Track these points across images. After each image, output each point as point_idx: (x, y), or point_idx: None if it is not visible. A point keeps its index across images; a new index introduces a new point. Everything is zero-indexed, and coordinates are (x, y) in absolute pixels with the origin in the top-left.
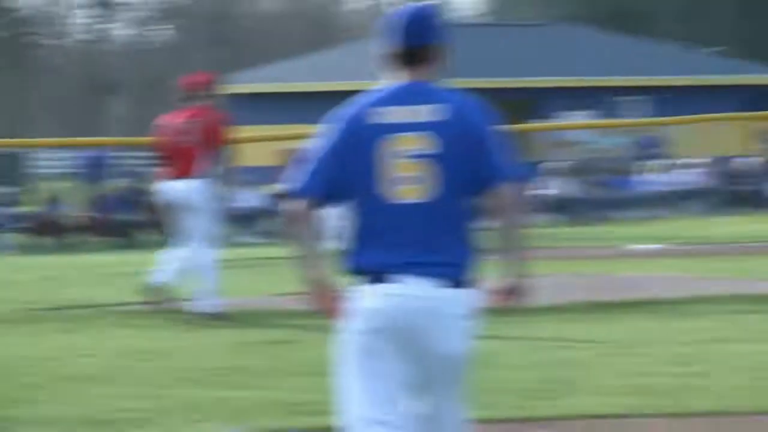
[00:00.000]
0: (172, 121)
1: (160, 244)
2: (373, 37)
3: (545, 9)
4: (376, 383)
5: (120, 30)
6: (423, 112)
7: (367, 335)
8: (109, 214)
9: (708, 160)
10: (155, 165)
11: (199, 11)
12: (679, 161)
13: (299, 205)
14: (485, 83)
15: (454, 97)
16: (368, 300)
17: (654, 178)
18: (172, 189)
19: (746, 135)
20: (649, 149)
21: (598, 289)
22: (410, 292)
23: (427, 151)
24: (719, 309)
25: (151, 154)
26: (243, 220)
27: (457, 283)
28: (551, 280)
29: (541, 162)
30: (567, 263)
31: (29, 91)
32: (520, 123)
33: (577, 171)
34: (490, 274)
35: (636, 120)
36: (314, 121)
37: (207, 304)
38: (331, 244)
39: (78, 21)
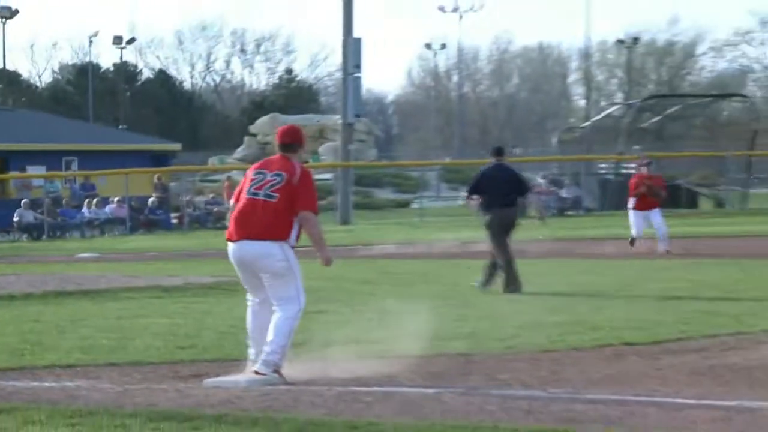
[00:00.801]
0: None
1: None
2: None
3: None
4: None
5: None
6: None
7: None
8: None
9: (122, 198)
10: None
11: None
12: (108, 198)
13: None
14: None
15: None
16: None
17: (92, 210)
18: None
19: (149, 182)
20: (87, 191)
21: (60, 282)
22: None
23: None
24: (138, 295)
25: None
26: None
27: None
28: (29, 277)
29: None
30: (37, 266)
31: None
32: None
33: (34, 204)
34: None
35: (75, 172)
36: None
37: None
38: None
39: None
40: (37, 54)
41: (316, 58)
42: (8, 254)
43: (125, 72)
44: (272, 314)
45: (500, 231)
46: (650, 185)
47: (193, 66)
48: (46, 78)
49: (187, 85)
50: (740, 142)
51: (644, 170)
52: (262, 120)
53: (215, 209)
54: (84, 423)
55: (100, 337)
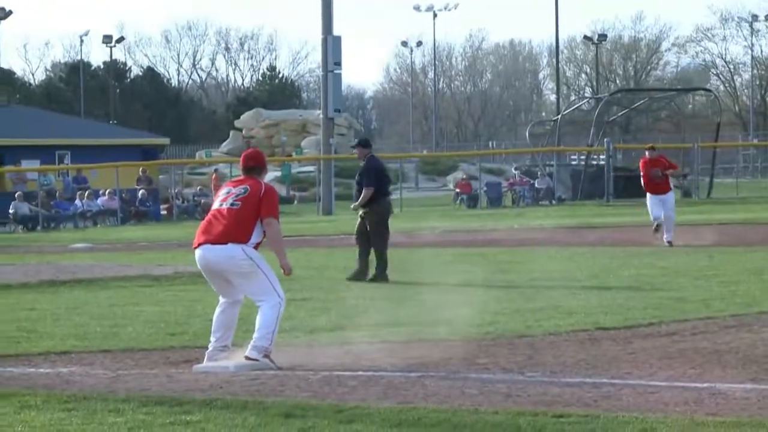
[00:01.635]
0: None
1: None
2: None
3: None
4: None
5: None
6: None
7: None
8: None
9: (113, 190)
10: None
11: None
12: (99, 191)
13: None
14: None
15: None
16: None
17: (84, 202)
18: None
19: (135, 174)
20: (79, 184)
21: (55, 272)
22: None
23: None
24: (130, 284)
25: None
26: None
27: None
28: (24, 266)
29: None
30: (32, 256)
31: None
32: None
33: (28, 197)
34: None
35: (68, 165)
36: None
37: None
38: None
39: None
40: (30, 53)
41: (297, 56)
42: (4, 245)
43: (115, 69)
44: (255, 312)
45: (387, 219)
46: (651, 169)
47: (180, 63)
48: (40, 76)
49: (174, 81)
50: (705, 133)
51: (646, 155)
52: (247, 115)
53: (203, 201)
54: (78, 408)
55: (93, 325)
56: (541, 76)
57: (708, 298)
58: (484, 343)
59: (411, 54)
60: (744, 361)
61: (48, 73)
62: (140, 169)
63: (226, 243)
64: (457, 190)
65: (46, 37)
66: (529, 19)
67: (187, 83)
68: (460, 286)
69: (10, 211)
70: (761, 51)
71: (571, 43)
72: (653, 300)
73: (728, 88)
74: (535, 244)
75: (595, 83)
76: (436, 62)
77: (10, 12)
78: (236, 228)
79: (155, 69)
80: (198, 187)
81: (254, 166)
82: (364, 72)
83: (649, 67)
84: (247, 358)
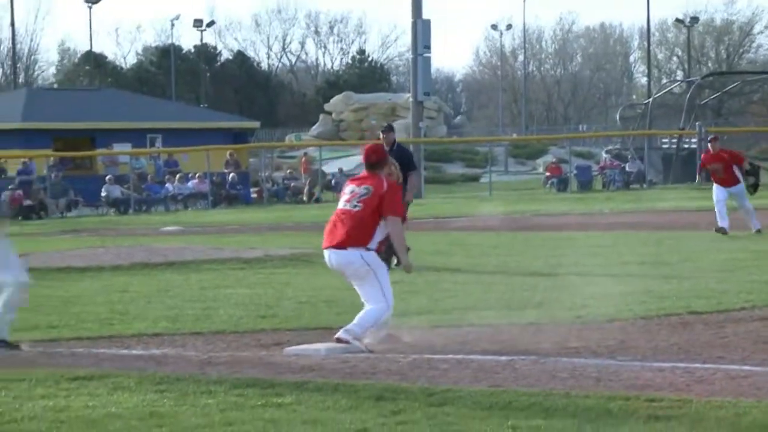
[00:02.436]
0: None
1: None
2: None
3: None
4: None
5: None
6: None
7: None
8: None
9: (204, 173)
10: None
11: None
12: (189, 174)
13: None
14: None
15: None
16: None
17: (175, 185)
18: None
19: (224, 158)
20: (170, 167)
21: (147, 254)
22: None
23: None
24: (221, 267)
25: None
26: None
27: None
28: (117, 249)
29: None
30: (124, 239)
31: None
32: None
33: (120, 180)
34: None
35: (159, 149)
36: None
37: None
38: None
39: None
40: (122, 37)
41: (387, 39)
42: (97, 227)
43: (205, 53)
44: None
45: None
46: (712, 165)
47: (269, 47)
48: (131, 60)
49: (264, 65)
50: None
51: (709, 147)
52: (337, 98)
53: (292, 184)
54: (171, 389)
55: (185, 307)
56: (632, 59)
57: None
58: (575, 327)
59: (501, 37)
60: None
61: (139, 56)
62: (228, 152)
63: (346, 248)
64: (547, 173)
65: (137, 21)
66: (619, 1)
67: (277, 67)
68: (549, 272)
69: (102, 193)
70: None
71: (663, 25)
72: (746, 284)
73: None
74: (625, 228)
75: (686, 66)
76: (526, 45)
77: None
78: (357, 232)
79: (245, 53)
80: (288, 171)
81: (377, 161)
82: (454, 55)
83: (741, 50)
84: (338, 339)
